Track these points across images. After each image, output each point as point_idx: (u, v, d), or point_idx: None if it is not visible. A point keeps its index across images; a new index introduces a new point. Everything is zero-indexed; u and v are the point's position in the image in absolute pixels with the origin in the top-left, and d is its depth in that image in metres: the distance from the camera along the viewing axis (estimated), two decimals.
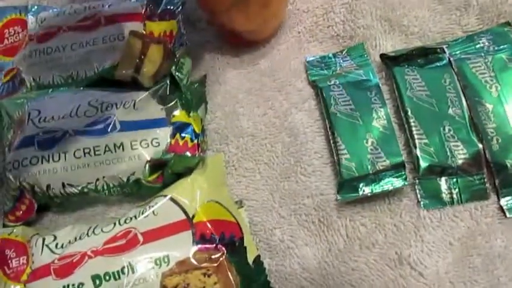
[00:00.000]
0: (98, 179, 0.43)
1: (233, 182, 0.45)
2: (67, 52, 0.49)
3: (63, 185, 0.43)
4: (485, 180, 0.41)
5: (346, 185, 0.42)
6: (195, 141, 0.44)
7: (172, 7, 0.50)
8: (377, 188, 0.41)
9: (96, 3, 0.51)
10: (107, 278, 0.39)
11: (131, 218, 0.41)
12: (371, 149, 0.42)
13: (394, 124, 0.44)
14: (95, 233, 0.41)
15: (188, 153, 0.43)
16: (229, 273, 0.39)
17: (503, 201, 0.41)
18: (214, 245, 0.41)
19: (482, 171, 0.41)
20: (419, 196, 0.42)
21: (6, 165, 0.44)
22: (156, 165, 0.43)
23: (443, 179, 0.42)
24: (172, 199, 0.42)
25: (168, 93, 0.45)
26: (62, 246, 0.41)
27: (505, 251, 0.39)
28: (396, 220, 0.41)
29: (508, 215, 0.40)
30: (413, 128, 0.43)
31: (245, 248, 0.41)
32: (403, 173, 0.41)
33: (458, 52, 0.45)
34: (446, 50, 0.45)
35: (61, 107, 0.45)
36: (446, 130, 0.42)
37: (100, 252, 0.40)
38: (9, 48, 0.52)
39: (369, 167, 0.42)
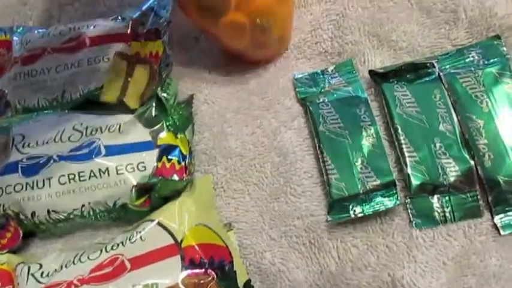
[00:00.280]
0: (83, 205, 0.42)
1: (222, 203, 0.44)
2: (52, 74, 0.48)
3: (49, 212, 0.42)
4: (478, 197, 0.40)
5: (336, 205, 0.41)
6: (183, 163, 0.43)
7: (157, 27, 0.50)
8: (368, 209, 0.40)
9: (81, 24, 0.51)
10: None
11: (118, 245, 0.40)
12: (361, 168, 0.41)
13: (384, 141, 0.43)
14: (81, 260, 0.40)
15: (176, 176, 0.43)
16: None
17: (497, 219, 0.40)
18: (203, 270, 0.40)
19: (474, 188, 0.41)
20: (411, 215, 0.41)
21: None
22: (143, 189, 0.42)
23: (435, 197, 0.41)
24: (160, 223, 0.41)
25: (154, 115, 0.45)
26: (47, 275, 0.40)
27: (500, 270, 0.38)
28: (388, 241, 0.40)
29: (502, 232, 0.39)
30: (404, 146, 0.42)
31: (235, 272, 0.40)
32: (394, 192, 0.41)
33: (448, 66, 0.45)
34: (435, 64, 0.45)
35: (45, 132, 0.44)
36: (437, 147, 0.42)
37: (86, 280, 0.39)
38: None
39: (359, 186, 0.41)
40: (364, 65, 0.47)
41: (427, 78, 0.45)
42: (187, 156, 0.44)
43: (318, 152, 0.43)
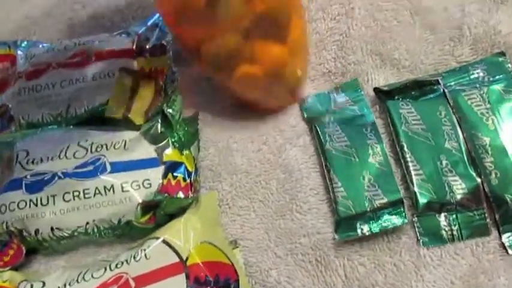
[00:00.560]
0: (88, 222, 0.41)
1: (227, 221, 0.44)
2: (56, 89, 0.48)
3: (52, 229, 0.41)
4: (486, 215, 0.40)
5: (343, 223, 0.41)
6: (188, 180, 0.43)
7: (162, 42, 0.50)
8: (376, 227, 0.40)
9: (86, 39, 0.51)
10: None
11: (122, 263, 0.40)
12: (368, 186, 0.41)
13: (390, 159, 0.43)
14: (85, 279, 0.40)
15: (181, 193, 0.42)
16: None
17: (505, 238, 0.40)
18: None
19: (482, 206, 0.40)
20: (418, 234, 0.40)
21: None
22: (148, 206, 0.42)
23: (442, 215, 0.41)
24: (165, 241, 0.41)
25: (159, 131, 0.44)
26: None
27: None
28: (396, 259, 0.40)
29: (510, 251, 0.39)
30: (410, 164, 0.42)
31: None
32: (401, 210, 0.40)
33: (452, 83, 0.45)
34: (440, 81, 0.45)
35: (50, 148, 0.44)
36: (444, 164, 0.41)
37: None
38: None
39: (367, 204, 0.41)
40: (367, 84, 0.47)
41: (431, 95, 0.45)
42: (193, 173, 0.44)
43: (325, 170, 0.43)
